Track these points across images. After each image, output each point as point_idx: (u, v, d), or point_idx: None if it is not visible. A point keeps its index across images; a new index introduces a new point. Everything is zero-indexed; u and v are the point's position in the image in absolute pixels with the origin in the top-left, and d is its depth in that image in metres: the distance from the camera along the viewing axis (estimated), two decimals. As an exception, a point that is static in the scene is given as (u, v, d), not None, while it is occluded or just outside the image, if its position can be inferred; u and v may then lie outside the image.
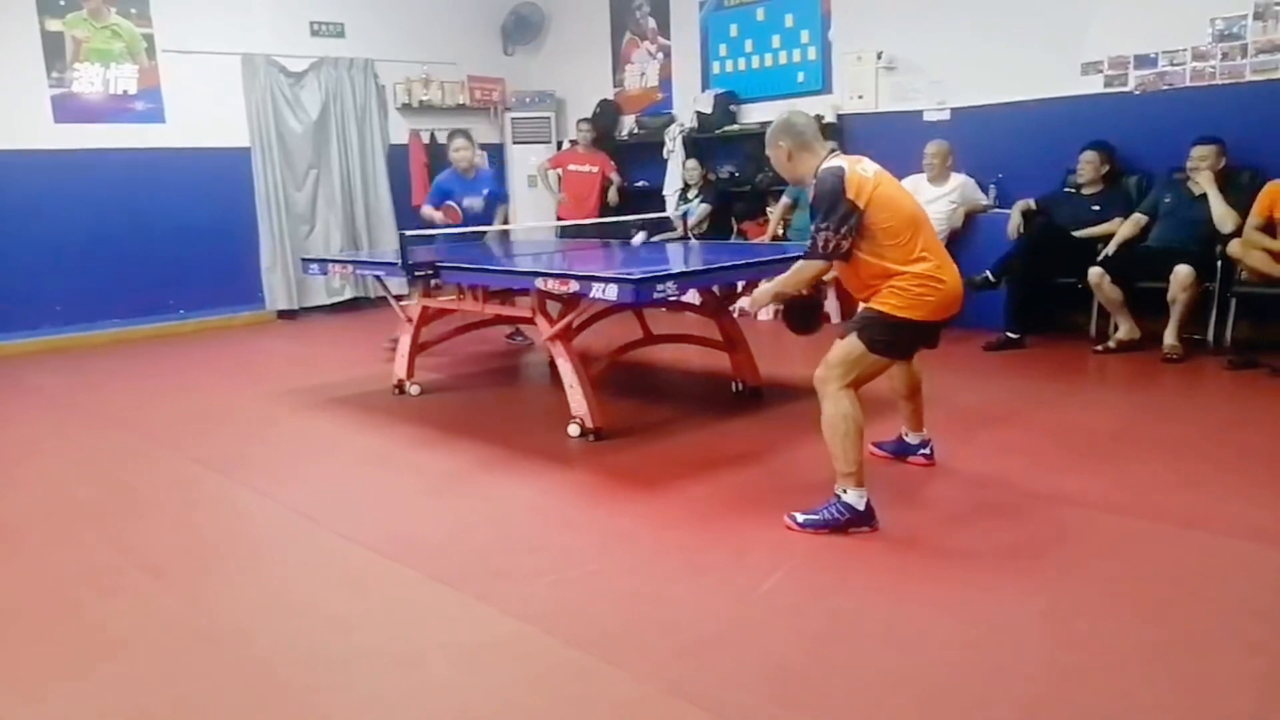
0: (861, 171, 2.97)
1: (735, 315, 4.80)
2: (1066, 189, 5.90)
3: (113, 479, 3.91)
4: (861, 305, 3.10)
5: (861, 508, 2.94)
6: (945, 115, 6.64)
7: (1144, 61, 5.74)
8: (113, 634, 2.54)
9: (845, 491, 2.95)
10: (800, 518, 2.99)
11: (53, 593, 2.82)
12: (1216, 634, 2.29)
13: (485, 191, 6.32)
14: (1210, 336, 5.30)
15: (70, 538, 3.25)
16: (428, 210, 6.25)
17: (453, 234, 6.06)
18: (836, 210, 2.91)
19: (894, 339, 3.00)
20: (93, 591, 2.81)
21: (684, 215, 7.31)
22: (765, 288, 3.36)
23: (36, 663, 2.40)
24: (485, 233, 6.44)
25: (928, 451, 3.57)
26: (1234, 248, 5.03)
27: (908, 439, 3.60)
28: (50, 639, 2.52)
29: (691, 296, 4.86)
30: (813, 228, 2.99)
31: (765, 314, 6.15)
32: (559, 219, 8.20)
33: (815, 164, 3.04)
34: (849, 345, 2.98)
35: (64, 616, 2.65)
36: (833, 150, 3.11)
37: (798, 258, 4.89)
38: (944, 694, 2.07)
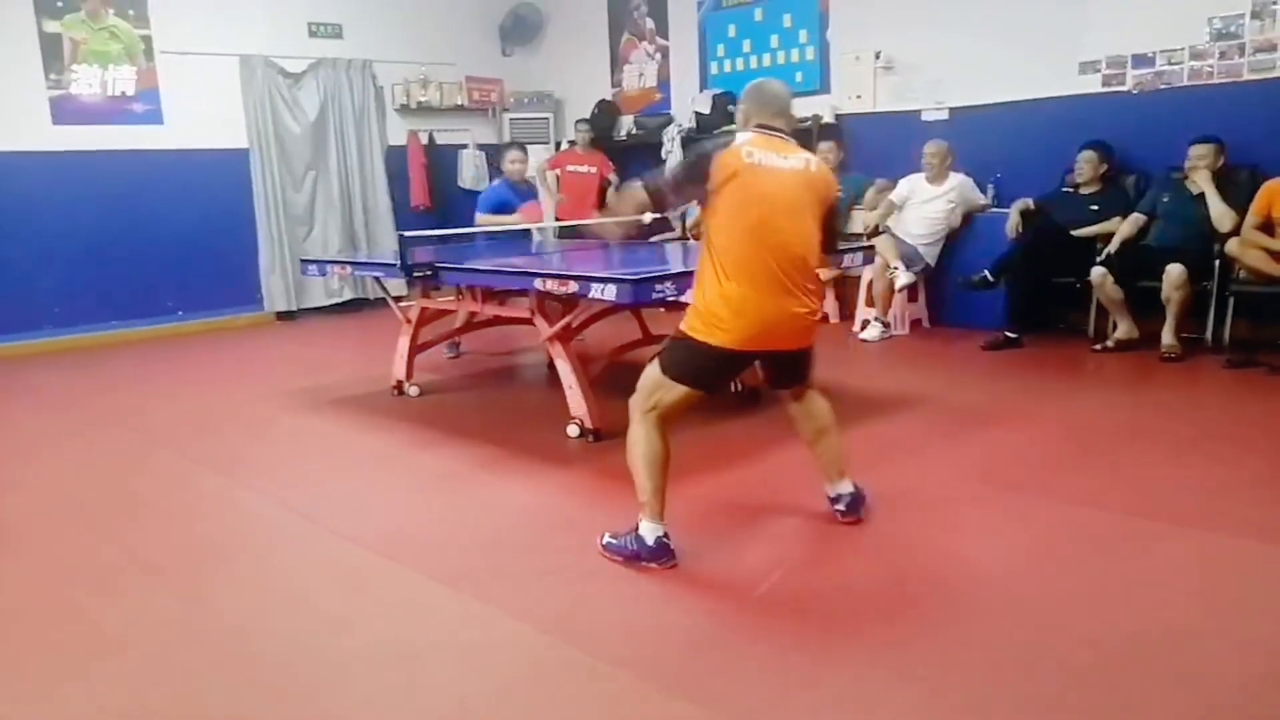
0: (747, 153, 2.65)
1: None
2: (1065, 188, 5.90)
3: (112, 479, 3.91)
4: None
5: (650, 542, 2.70)
6: (943, 115, 6.65)
7: (1141, 61, 5.74)
8: (112, 633, 2.54)
9: (641, 522, 2.74)
10: (606, 538, 2.83)
11: (53, 592, 2.82)
12: (1215, 632, 2.29)
13: (534, 201, 6.45)
14: (1208, 335, 5.30)
15: (70, 538, 3.25)
16: (489, 217, 6.19)
17: (513, 230, 6.16)
18: (690, 165, 2.71)
19: (690, 361, 2.72)
20: (93, 591, 2.81)
21: (682, 215, 7.32)
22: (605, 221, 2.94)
23: (37, 662, 2.40)
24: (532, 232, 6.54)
25: (843, 507, 2.99)
26: (1232, 246, 5.03)
27: (826, 490, 3.05)
28: (50, 638, 2.52)
29: (690, 297, 4.85)
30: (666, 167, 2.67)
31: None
32: (557, 219, 8.19)
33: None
34: (651, 369, 2.76)
35: (64, 616, 2.65)
36: (773, 131, 2.77)
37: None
38: (943, 692, 2.07)
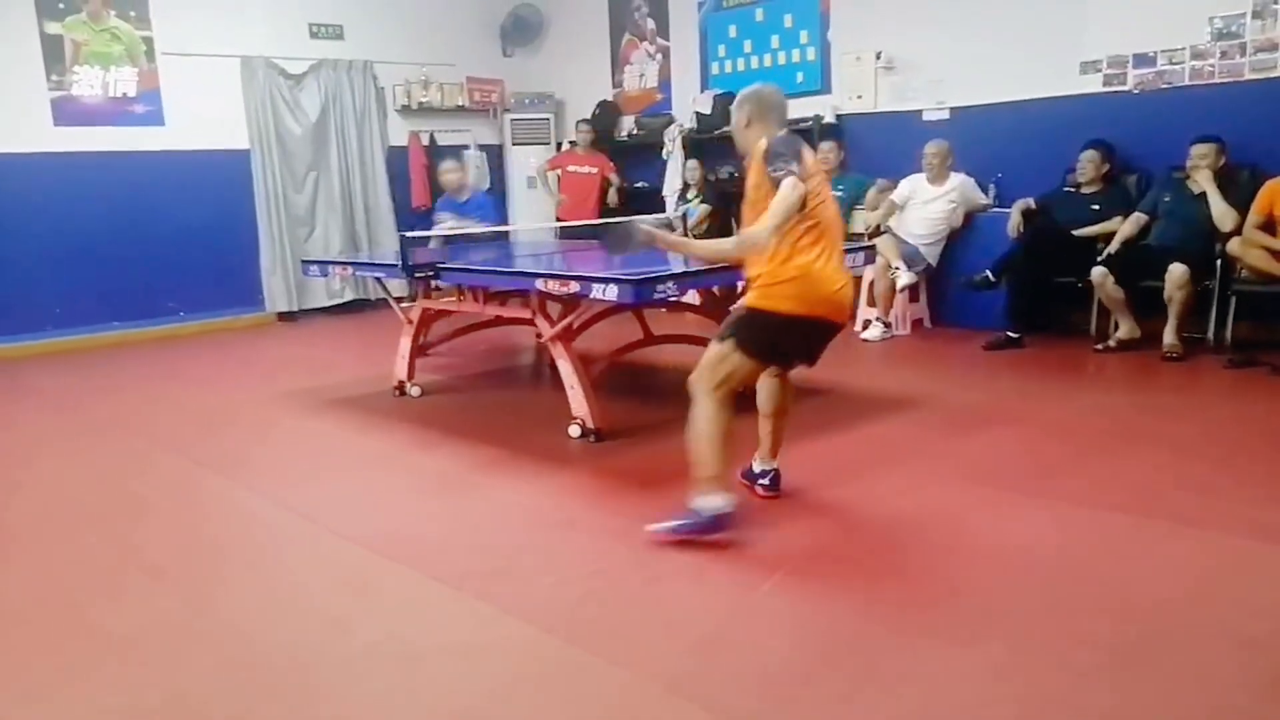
0: (806, 152, 2.86)
1: None
2: (1066, 188, 5.90)
3: (114, 481, 3.92)
4: (740, 303, 2.96)
5: (716, 515, 2.80)
6: (944, 115, 6.65)
7: (1143, 60, 5.74)
8: (114, 634, 2.54)
9: (704, 497, 2.83)
10: (655, 527, 2.89)
11: (54, 594, 2.82)
12: (1216, 631, 2.29)
13: (476, 216, 6.19)
14: (1210, 335, 5.30)
15: (72, 539, 3.26)
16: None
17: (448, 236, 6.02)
18: (798, 154, 2.75)
19: (764, 337, 2.85)
20: (94, 592, 2.81)
21: (684, 216, 7.31)
22: (748, 231, 2.82)
23: (38, 663, 2.40)
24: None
25: (767, 482, 3.26)
26: (1233, 246, 5.03)
27: (754, 464, 3.29)
28: (51, 639, 2.52)
29: (691, 297, 4.86)
30: (775, 166, 2.74)
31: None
32: (558, 220, 8.20)
33: (761, 137, 2.92)
34: (722, 347, 2.86)
35: (65, 617, 2.65)
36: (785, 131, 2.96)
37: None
38: (944, 693, 2.07)
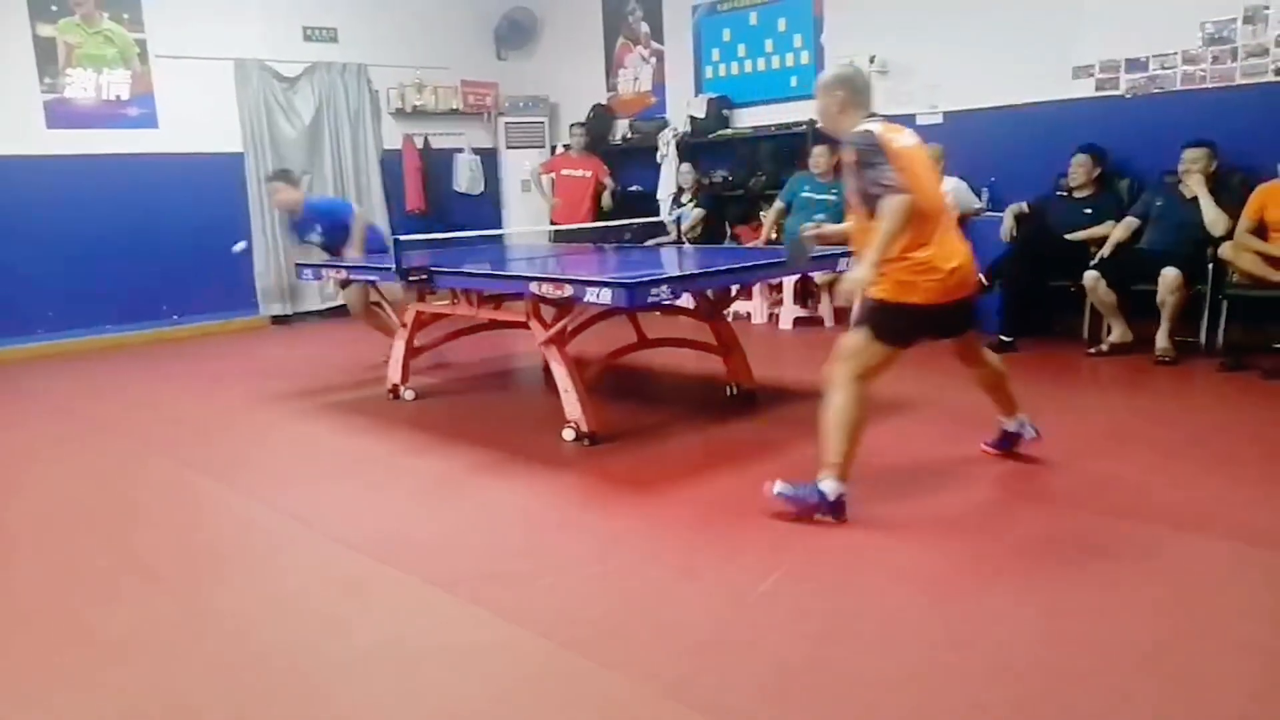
0: (892, 138, 2.96)
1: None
2: (1059, 192, 5.92)
3: (108, 485, 3.91)
4: (866, 296, 3.03)
5: (833, 499, 2.99)
6: (938, 119, 6.67)
7: (1135, 65, 5.77)
8: (110, 639, 2.53)
9: (825, 479, 3.00)
10: (779, 487, 3.07)
11: (50, 598, 2.81)
12: (1210, 635, 2.30)
13: (318, 227, 5.83)
14: (1202, 339, 5.32)
15: (67, 543, 3.25)
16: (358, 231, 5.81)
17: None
18: (878, 155, 2.88)
19: (895, 326, 2.99)
20: (90, 597, 2.81)
21: (678, 220, 7.32)
22: (864, 267, 2.91)
23: (34, 668, 2.39)
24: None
25: (1034, 432, 3.56)
26: (1225, 250, 5.06)
27: (1005, 426, 3.58)
28: (48, 645, 2.52)
29: (686, 301, 4.87)
30: (870, 181, 2.89)
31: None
32: (552, 223, 8.21)
33: (855, 121, 3.03)
34: (854, 336, 3.02)
35: (61, 622, 2.64)
36: (871, 116, 3.07)
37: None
38: (940, 695, 2.08)
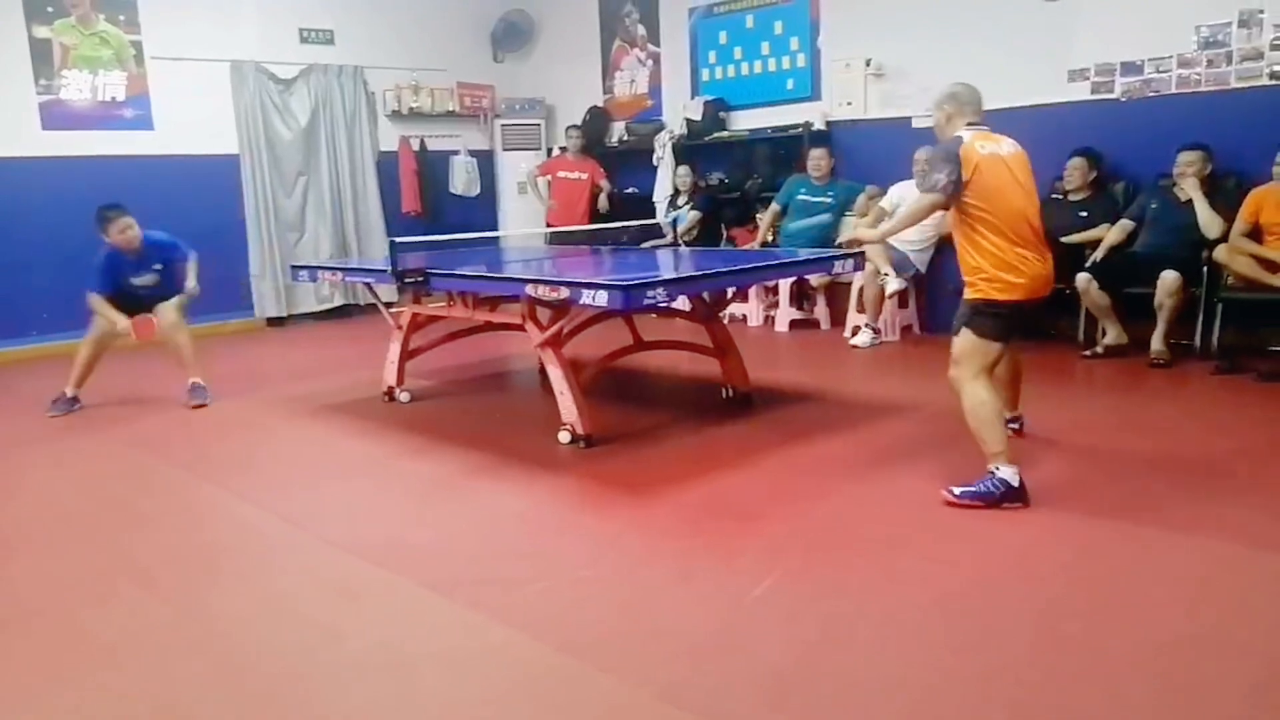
0: (979, 147, 3.22)
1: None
2: (1054, 195, 5.93)
3: (103, 487, 3.90)
4: (963, 298, 3.37)
5: (1015, 483, 3.15)
6: (934, 121, 6.66)
7: (1130, 69, 5.78)
8: (104, 642, 2.53)
9: (998, 469, 3.16)
10: (957, 490, 3.19)
11: (44, 601, 2.80)
12: (1207, 637, 2.30)
13: (158, 266, 5.49)
14: (1197, 342, 5.33)
15: (62, 546, 3.24)
16: (98, 301, 5.34)
17: None
18: (946, 163, 3.20)
19: (992, 324, 3.26)
20: (85, 600, 2.80)
21: (674, 222, 7.32)
22: (877, 230, 3.68)
23: (28, 672, 2.39)
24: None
25: (1017, 425, 3.85)
26: (1220, 253, 5.07)
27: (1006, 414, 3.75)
28: (41, 647, 2.51)
29: (682, 303, 4.87)
30: (923, 176, 3.34)
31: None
32: (548, 226, 8.21)
33: (956, 130, 3.34)
34: (962, 339, 3.30)
35: (56, 625, 2.64)
36: (972, 124, 3.35)
37: (788, 264, 4.93)
38: (936, 698, 2.08)
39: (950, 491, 3.20)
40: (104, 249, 5.37)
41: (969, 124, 3.34)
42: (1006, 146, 3.32)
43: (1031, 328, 5.81)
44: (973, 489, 3.18)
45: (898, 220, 3.41)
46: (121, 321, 5.24)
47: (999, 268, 3.21)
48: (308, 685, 2.27)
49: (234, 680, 2.30)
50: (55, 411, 5.18)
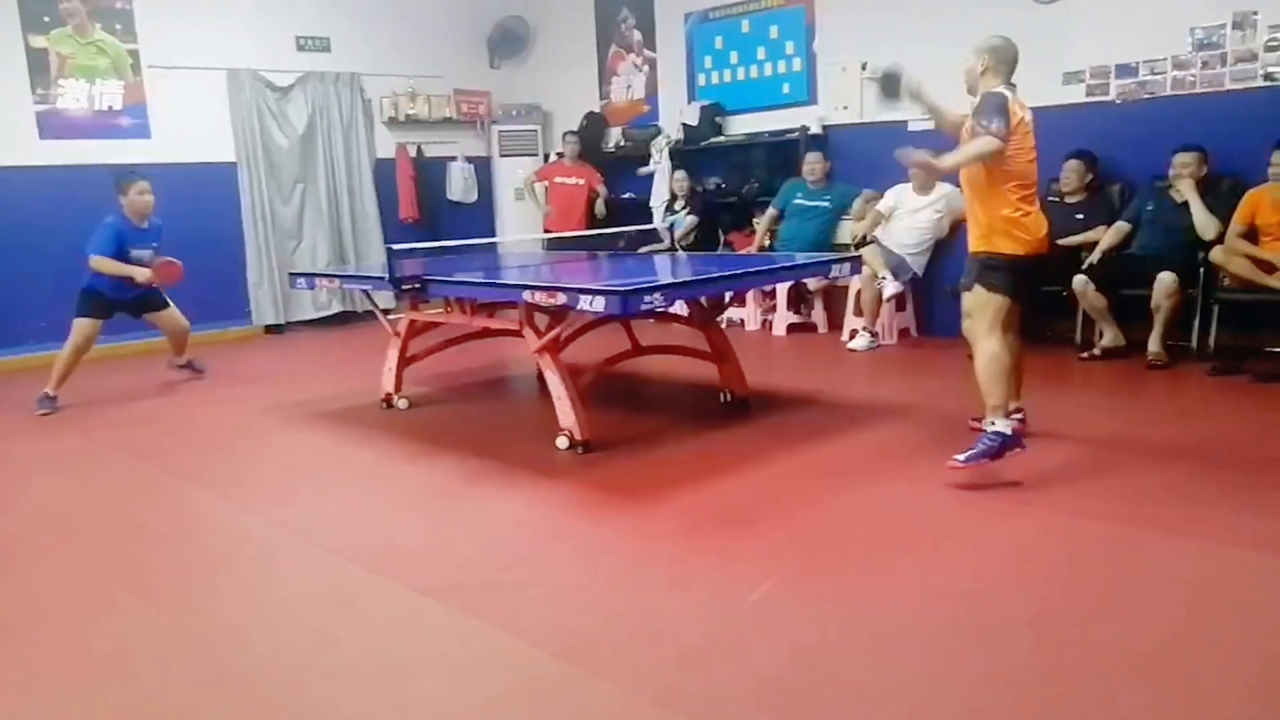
0: (1017, 107, 3.43)
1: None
2: (1050, 198, 5.92)
3: (99, 495, 3.89)
4: (970, 253, 3.58)
5: (1009, 433, 3.37)
6: (930, 125, 6.64)
7: (1125, 71, 5.79)
8: (100, 650, 2.52)
9: (994, 423, 3.37)
10: (961, 458, 3.35)
11: (40, 610, 2.80)
12: (1203, 639, 2.30)
13: (155, 245, 5.60)
14: (1194, 343, 5.33)
15: (59, 555, 3.23)
16: (107, 262, 5.39)
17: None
18: (999, 112, 3.34)
19: (1002, 278, 3.46)
20: (81, 608, 2.79)
21: (671, 227, 7.34)
22: (940, 161, 3.52)
23: (24, 681, 2.38)
24: None
25: (1020, 417, 3.79)
26: (1216, 255, 5.07)
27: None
28: (38, 657, 2.50)
29: (679, 308, 4.87)
30: (979, 120, 3.39)
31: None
32: (545, 231, 8.21)
33: (992, 86, 3.48)
34: (975, 294, 3.51)
35: (52, 634, 2.63)
36: (1009, 84, 3.51)
37: (786, 268, 4.93)
38: (933, 703, 2.08)
39: (955, 460, 3.35)
40: (112, 217, 5.50)
41: (1008, 84, 3.49)
42: (1028, 114, 3.53)
43: (1030, 328, 5.87)
44: (974, 451, 3.35)
45: (961, 156, 3.45)
46: (140, 272, 5.39)
47: (1010, 224, 3.43)
48: (305, 691, 2.27)
49: (231, 687, 2.29)
50: (43, 409, 5.34)
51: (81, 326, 5.47)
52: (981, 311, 3.50)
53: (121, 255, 5.47)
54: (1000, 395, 3.41)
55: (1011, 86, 3.50)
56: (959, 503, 3.31)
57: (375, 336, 5.80)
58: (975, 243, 3.55)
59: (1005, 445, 3.37)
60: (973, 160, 3.47)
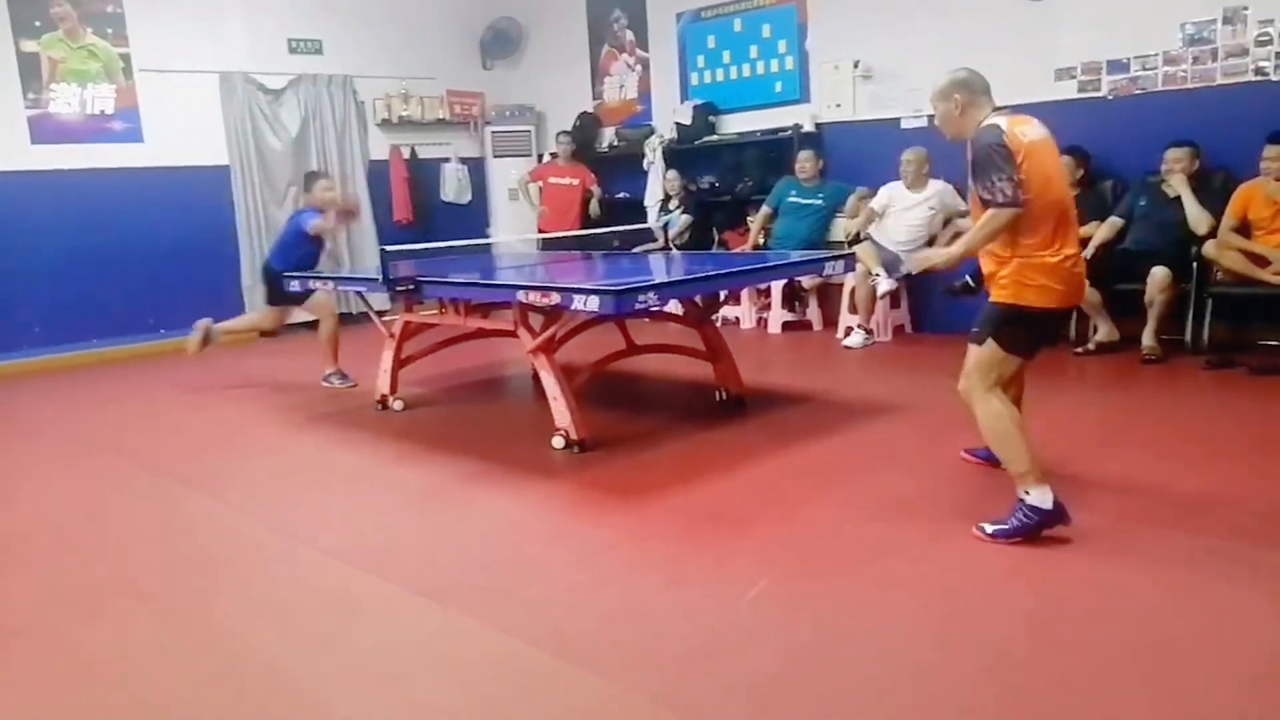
0: (1020, 133, 2.85)
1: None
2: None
3: (95, 499, 3.88)
4: (989, 300, 2.99)
5: (1048, 506, 2.80)
6: (922, 122, 6.68)
7: (1116, 66, 5.80)
8: (96, 655, 2.52)
9: (1028, 493, 2.82)
10: (990, 529, 2.88)
11: (35, 614, 2.79)
12: (1200, 635, 2.31)
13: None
14: (1188, 337, 5.35)
15: (55, 558, 3.23)
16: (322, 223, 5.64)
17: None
18: (1001, 158, 2.78)
19: (1025, 335, 2.93)
20: (77, 613, 2.79)
21: (665, 226, 7.34)
22: (948, 251, 3.11)
23: (19, 686, 2.38)
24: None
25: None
26: (1209, 249, 5.09)
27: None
28: (32, 662, 2.50)
29: (674, 306, 4.87)
30: (982, 184, 2.83)
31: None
32: (540, 232, 8.21)
33: (979, 119, 2.94)
34: (985, 349, 2.92)
35: (47, 639, 2.63)
36: (996, 109, 2.97)
37: (780, 266, 4.93)
38: (929, 702, 2.08)
39: (982, 529, 2.89)
40: (295, 226, 5.76)
41: (996, 110, 2.96)
42: (1039, 128, 2.95)
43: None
44: (1006, 526, 2.84)
45: (972, 241, 2.93)
46: (325, 221, 5.62)
47: (1043, 273, 2.83)
48: (301, 693, 2.26)
49: (227, 689, 2.29)
50: (345, 384, 5.68)
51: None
52: (986, 371, 2.93)
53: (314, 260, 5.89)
54: (1023, 458, 2.82)
55: (999, 109, 2.96)
56: (952, 499, 3.31)
57: (370, 338, 5.79)
58: (997, 291, 2.93)
59: (1043, 522, 2.81)
60: (984, 242, 2.90)
